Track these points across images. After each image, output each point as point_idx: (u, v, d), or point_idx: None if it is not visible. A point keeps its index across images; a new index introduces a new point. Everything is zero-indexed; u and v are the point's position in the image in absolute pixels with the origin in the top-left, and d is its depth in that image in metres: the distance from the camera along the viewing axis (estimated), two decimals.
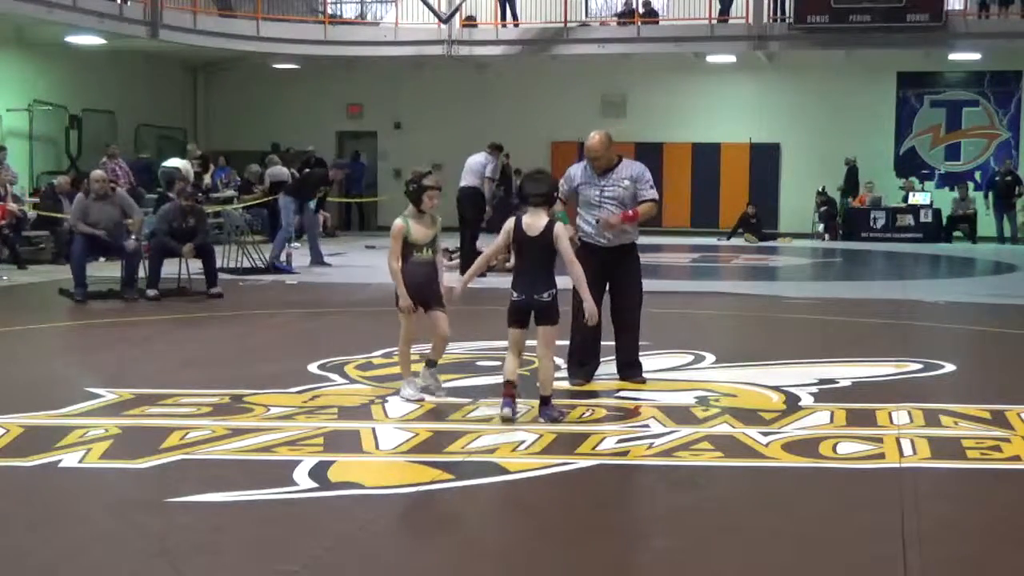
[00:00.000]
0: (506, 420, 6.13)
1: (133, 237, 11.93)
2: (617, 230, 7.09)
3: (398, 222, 6.73)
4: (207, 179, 19.65)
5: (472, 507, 4.90)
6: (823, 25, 21.17)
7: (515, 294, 6.26)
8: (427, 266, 6.75)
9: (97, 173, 12.13)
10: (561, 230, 6.28)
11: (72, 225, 11.84)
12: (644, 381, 7.24)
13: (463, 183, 14.63)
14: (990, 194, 21.96)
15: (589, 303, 6.30)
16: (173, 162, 19.31)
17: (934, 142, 23.72)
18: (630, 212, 7.07)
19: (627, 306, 7.31)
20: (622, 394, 7.02)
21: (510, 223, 6.37)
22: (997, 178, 21.82)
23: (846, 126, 23.31)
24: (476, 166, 14.68)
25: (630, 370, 7.32)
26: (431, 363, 6.88)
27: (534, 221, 6.26)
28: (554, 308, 6.25)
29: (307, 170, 18.90)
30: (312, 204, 16.22)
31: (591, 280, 6.99)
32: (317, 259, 15.81)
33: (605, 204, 7.10)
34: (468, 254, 14.18)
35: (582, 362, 7.24)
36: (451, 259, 15.18)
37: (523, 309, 6.23)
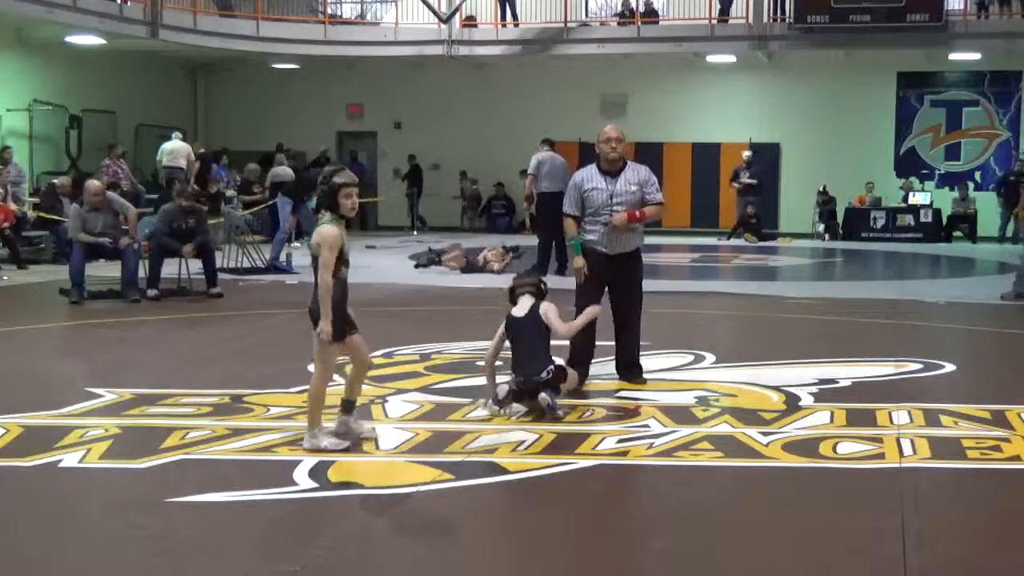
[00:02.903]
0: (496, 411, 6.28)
1: (129, 235, 11.91)
2: (625, 230, 7.07)
3: (333, 229, 5.48)
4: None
5: (472, 507, 4.90)
6: (823, 25, 21.16)
7: (515, 375, 6.39)
8: (345, 283, 5.63)
9: (93, 186, 12.05)
10: (547, 307, 6.57)
11: (72, 236, 11.82)
12: (644, 382, 7.23)
13: (545, 188, 14.02)
14: (1001, 193, 21.81)
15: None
16: (173, 144, 19.30)
17: (934, 142, 23.71)
18: (636, 213, 7.07)
19: (627, 307, 7.29)
20: (622, 394, 7.02)
21: (503, 325, 6.60)
22: (1012, 177, 21.63)
23: (846, 126, 23.30)
24: (560, 170, 14.02)
25: (630, 371, 7.31)
26: (350, 405, 5.79)
27: (522, 307, 6.58)
28: (559, 371, 6.42)
29: (316, 169, 18.86)
30: (312, 204, 16.15)
31: (593, 286, 7.01)
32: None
33: (616, 210, 7.06)
34: (545, 259, 14.20)
35: (577, 363, 7.17)
36: (507, 258, 15.16)
37: (524, 391, 6.36)
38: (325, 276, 5.44)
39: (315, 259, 5.54)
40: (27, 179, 18.25)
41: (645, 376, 7.30)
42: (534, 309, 6.54)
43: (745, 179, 22.59)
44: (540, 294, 6.70)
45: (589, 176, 7.20)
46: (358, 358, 5.75)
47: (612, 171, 7.14)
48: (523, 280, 6.82)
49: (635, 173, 7.17)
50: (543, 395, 6.24)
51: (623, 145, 7.16)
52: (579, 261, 7.17)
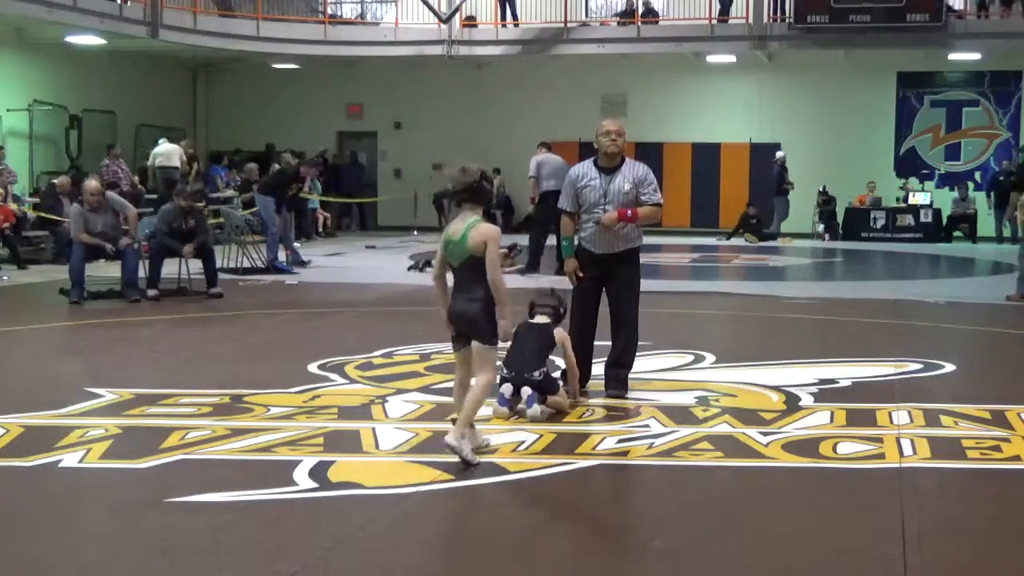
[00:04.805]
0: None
1: (129, 235, 11.90)
2: (613, 231, 6.74)
3: (493, 225, 5.48)
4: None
5: (472, 507, 4.91)
6: (823, 25, 21.16)
7: (505, 371, 6.34)
8: None
9: (91, 185, 12.02)
10: (564, 338, 6.61)
11: (74, 237, 11.79)
12: (623, 397, 6.83)
13: (552, 186, 13.70)
14: (992, 194, 21.94)
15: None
16: (164, 147, 19.29)
17: (934, 142, 23.72)
18: (628, 212, 6.71)
19: (622, 308, 6.91)
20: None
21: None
22: (1001, 178, 21.76)
23: (846, 126, 23.31)
24: (562, 168, 13.77)
25: (616, 380, 6.92)
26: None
27: (541, 319, 6.65)
28: (550, 382, 6.40)
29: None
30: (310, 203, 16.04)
31: (588, 286, 6.88)
32: (297, 259, 15.63)
33: (606, 209, 6.73)
34: (536, 253, 14.58)
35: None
36: (513, 259, 15.11)
37: (514, 385, 6.35)
38: (498, 274, 5.31)
39: (469, 258, 5.38)
40: (17, 180, 18.16)
41: (645, 378, 7.24)
42: (549, 327, 6.61)
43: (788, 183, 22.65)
44: (558, 317, 6.73)
45: (585, 171, 6.86)
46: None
47: (609, 167, 6.78)
48: (543, 301, 6.80)
49: (632, 171, 6.80)
50: (527, 389, 6.26)
51: (623, 139, 6.80)
52: (571, 263, 6.90)
